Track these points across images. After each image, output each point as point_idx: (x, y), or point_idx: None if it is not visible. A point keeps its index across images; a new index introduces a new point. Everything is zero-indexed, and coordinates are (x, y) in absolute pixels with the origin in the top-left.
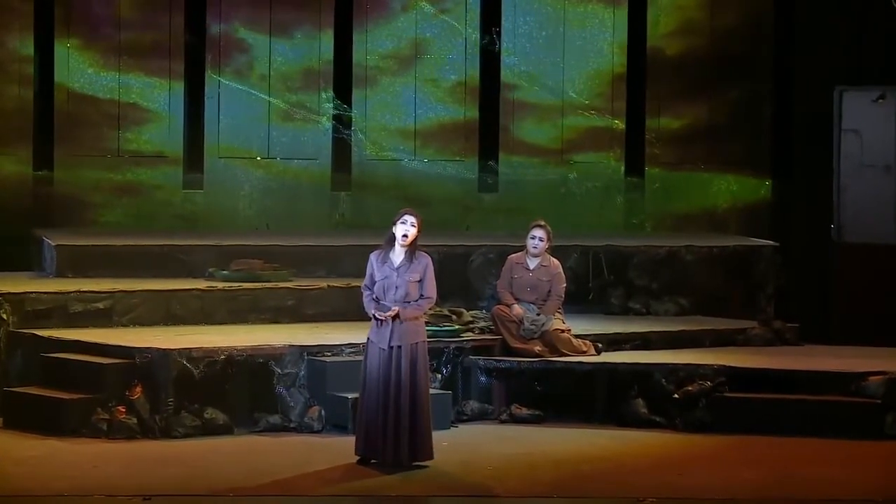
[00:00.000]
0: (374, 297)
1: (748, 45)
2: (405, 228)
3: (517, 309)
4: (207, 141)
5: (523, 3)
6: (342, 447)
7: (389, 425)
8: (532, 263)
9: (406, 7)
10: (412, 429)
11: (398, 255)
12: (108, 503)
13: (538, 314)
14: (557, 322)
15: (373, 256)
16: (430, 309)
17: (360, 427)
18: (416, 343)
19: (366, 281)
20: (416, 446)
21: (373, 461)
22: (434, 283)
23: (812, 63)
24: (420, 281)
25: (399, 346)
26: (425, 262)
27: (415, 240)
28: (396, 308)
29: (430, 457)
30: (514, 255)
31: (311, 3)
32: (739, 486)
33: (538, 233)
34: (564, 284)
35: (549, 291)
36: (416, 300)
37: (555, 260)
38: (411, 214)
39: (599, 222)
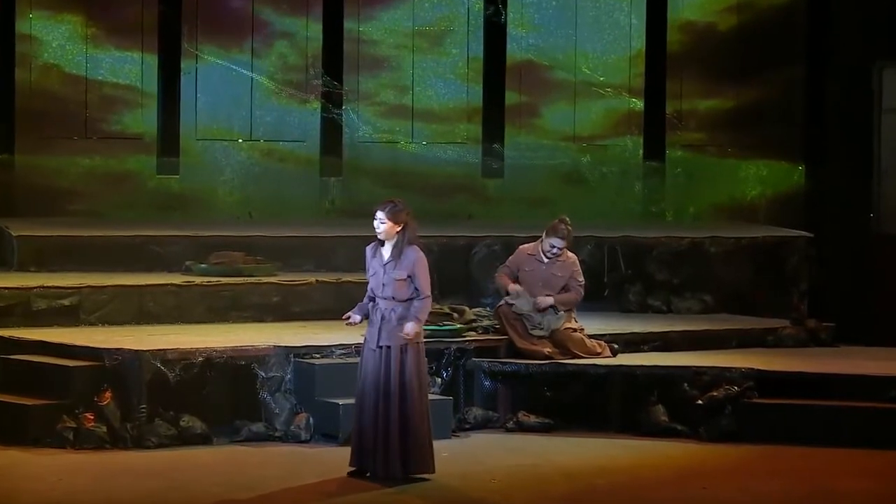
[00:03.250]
0: (370, 295)
1: (780, 16)
2: (375, 225)
3: (513, 286)
4: (184, 121)
5: None
6: (332, 458)
7: (379, 434)
8: (547, 260)
9: None
10: (403, 438)
11: (387, 249)
12: None
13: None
14: (569, 320)
15: (367, 249)
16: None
17: (354, 436)
18: (407, 343)
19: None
20: (409, 458)
21: (367, 474)
22: (427, 278)
23: (849, 36)
24: (407, 279)
25: (388, 347)
26: (413, 257)
27: (399, 233)
28: (415, 328)
29: (429, 469)
30: (526, 245)
31: None
32: (767, 500)
33: (558, 243)
34: (583, 280)
35: (564, 288)
36: (408, 300)
37: (571, 254)
38: (381, 209)
39: (615, 211)
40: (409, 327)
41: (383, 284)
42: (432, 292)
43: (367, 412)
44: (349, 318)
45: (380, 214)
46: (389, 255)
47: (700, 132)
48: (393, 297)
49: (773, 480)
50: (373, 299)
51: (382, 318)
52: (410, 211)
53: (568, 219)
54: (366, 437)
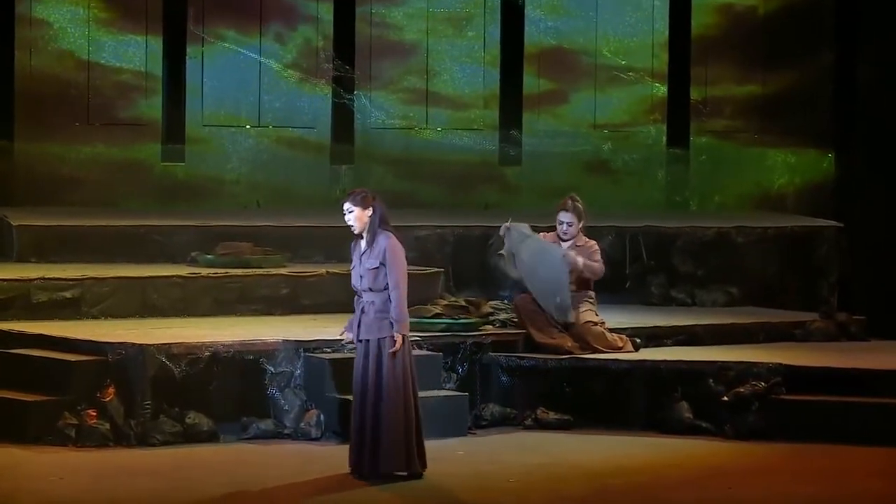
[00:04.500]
0: (354, 290)
1: (809, 0)
2: (346, 219)
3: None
4: (190, 107)
5: None
6: (343, 457)
7: (355, 429)
8: (565, 244)
9: None
10: (374, 435)
11: (363, 240)
12: None
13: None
14: (589, 314)
15: (352, 245)
16: (404, 299)
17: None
18: (384, 338)
19: None
20: (378, 454)
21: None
22: (398, 267)
23: (880, 22)
24: (379, 268)
25: (367, 341)
26: (384, 244)
27: (370, 218)
28: (399, 341)
29: (400, 467)
30: (545, 233)
31: None
32: (795, 501)
33: (565, 217)
34: (602, 260)
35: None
36: (385, 290)
37: (590, 240)
38: (346, 200)
39: (638, 200)
40: (394, 341)
41: (360, 276)
42: (449, 287)
43: (354, 408)
44: (343, 334)
45: (346, 205)
46: (365, 245)
47: (726, 118)
48: (370, 289)
49: (802, 481)
50: (358, 293)
51: (363, 311)
52: (377, 196)
53: (577, 196)
54: (356, 434)
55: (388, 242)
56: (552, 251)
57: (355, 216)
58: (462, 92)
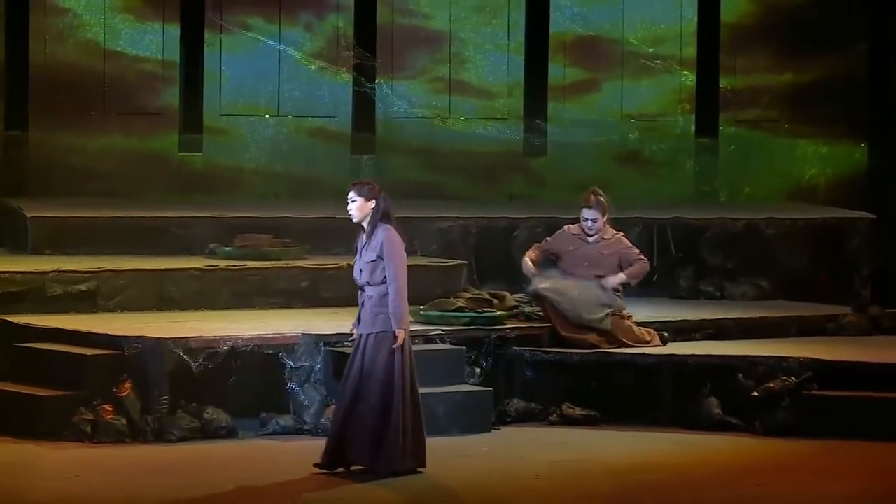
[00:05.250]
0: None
1: None
2: (348, 208)
3: (528, 265)
4: (207, 96)
5: None
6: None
7: (352, 424)
8: (590, 237)
9: None
10: (343, 427)
11: (364, 233)
12: None
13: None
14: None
15: (358, 237)
16: (401, 294)
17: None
18: (373, 334)
19: None
20: (377, 450)
21: (350, 468)
22: (396, 261)
23: None
24: (377, 261)
25: (361, 335)
26: (382, 237)
27: (371, 215)
28: (400, 337)
29: (364, 462)
30: (570, 225)
31: None
32: (827, 499)
33: (590, 214)
34: (639, 251)
35: (619, 267)
36: (382, 284)
37: (618, 233)
38: (350, 188)
39: (665, 191)
40: (395, 337)
41: (360, 270)
42: (473, 280)
43: (339, 401)
44: (353, 331)
45: (350, 194)
46: (365, 238)
47: (756, 108)
48: (368, 283)
49: (833, 478)
50: (361, 287)
51: (363, 305)
52: (383, 190)
53: (600, 190)
54: (338, 426)
55: (386, 235)
56: (595, 287)
57: (357, 206)
58: (486, 81)
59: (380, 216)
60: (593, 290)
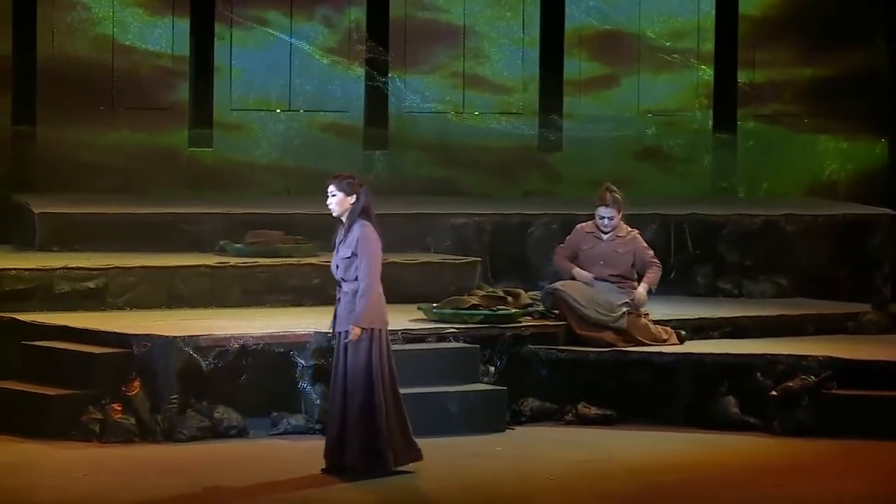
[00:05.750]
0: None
1: None
2: (328, 202)
3: (579, 271)
4: (218, 90)
5: None
6: None
7: (334, 424)
8: (605, 235)
9: None
10: (343, 431)
11: (343, 227)
12: None
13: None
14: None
15: (337, 232)
16: (370, 291)
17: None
18: (349, 330)
19: None
20: (345, 449)
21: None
22: (369, 258)
23: None
24: (352, 257)
25: (340, 333)
26: (358, 234)
27: (350, 210)
28: (356, 331)
29: (377, 466)
30: (583, 223)
31: None
32: (847, 499)
33: (606, 213)
34: (653, 253)
35: (633, 265)
36: (356, 280)
37: (632, 229)
38: (330, 182)
39: (683, 186)
40: (352, 333)
41: (336, 266)
42: (487, 277)
43: (330, 402)
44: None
45: (330, 188)
46: (343, 233)
47: (775, 102)
48: (343, 279)
49: (853, 479)
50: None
51: (339, 300)
52: (365, 186)
53: (614, 186)
54: (330, 427)
55: (362, 232)
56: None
57: (337, 201)
58: (501, 75)
59: (359, 212)
60: (611, 290)
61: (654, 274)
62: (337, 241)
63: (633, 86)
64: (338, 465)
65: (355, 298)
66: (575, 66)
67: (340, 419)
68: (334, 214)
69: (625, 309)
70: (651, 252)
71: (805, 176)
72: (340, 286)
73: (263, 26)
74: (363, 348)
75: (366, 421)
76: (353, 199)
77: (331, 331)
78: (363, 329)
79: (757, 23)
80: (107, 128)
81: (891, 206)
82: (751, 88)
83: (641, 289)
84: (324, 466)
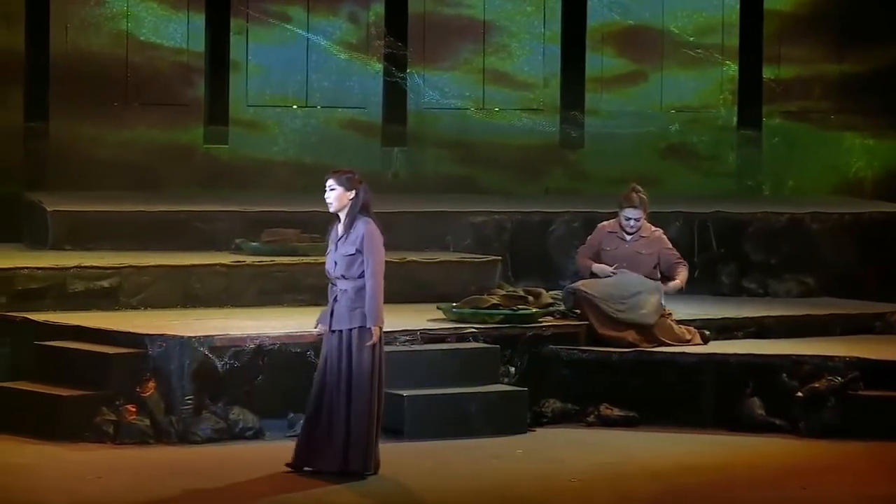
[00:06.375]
0: (328, 277)
1: None
2: (326, 196)
3: (602, 268)
4: (234, 86)
5: None
6: (393, 455)
7: (323, 424)
8: (628, 235)
9: None
10: (347, 430)
11: (341, 224)
12: None
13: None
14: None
15: (330, 228)
16: (377, 288)
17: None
18: (355, 329)
19: None
20: (349, 452)
21: (305, 468)
22: (376, 256)
23: None
24: (356, 254)
25: (340, 331)
26: (363, 230)
27: (351, 201)
28: (376, 332)
29: (361, 468)
30: (605, 222)
31: None
32: (875, 501)
33: (633, 214)
34: (678, 254)
35: (656, 267)
36: (360, 278)
37: (655, 228)
38: (330, 176)
39: (707, 184)
40: (370, 333)
41: (335, 262)
42: (507, 276)
43: (312, 400)
44: (317, 327)
45: (329, 182)
46: (342, 230)
47: (801, 99)
48: (343, 276)
49: (879, 481)
50: (332, 281)
51: (335, 299)
52: (363, 180)
53: (640, 186)
54: (311, 426)
55: (367, 228)
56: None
57: (336, 196)
58: (522, 71)
59: (359, 208)
60: (633, 278)
61: (684, 274)
62: (334, 238)
63: (657, 82)
64: (320, 466)
65: (357, 296)
66: (597, 61)
67: (325, 420)
68: (332, 210)
69: (657, 296)
70: (676, 253)
71: (831, 173)
72: (335, 284)
73: (280, 21)
74: (370, 348)
75: (369, 421)
76: (352, 194)
77: (316, 330)
78: (373, 328)
79: (783, 18)
80: (121, 124)
81: None
82: (776, 84)
83: (675, 284)
84: (297, 468)
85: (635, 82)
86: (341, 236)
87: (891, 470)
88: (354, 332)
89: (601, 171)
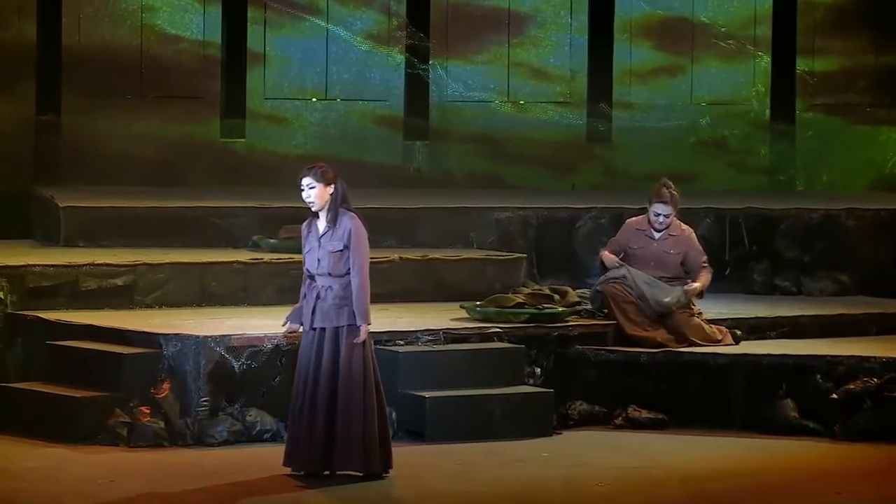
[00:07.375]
0: (307, 275)
1: None
2: (304, 195)
3: (612, 259)
4: (251, 78)
5: None
6: (414, 457)
7: (304, 423)
8: (657, 233)
9: None
10: (329, 428)
11: (322, 220)
12: None
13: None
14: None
15: (303, 227)
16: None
17: (288, 431)
18: (343, 327)
19: None
20: (334, 451)
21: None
22: (363, 252)
23: None
24: (343, 250)
25: (323, 329)
26: (349, 226)
27: (331, 195)
28: (364, 331)
29: (357, 468)
30: (633, 219)
31: None
32: None
33: (663, 210)
34: (707, 257)
35: (682, 265)
36: (346, 275)
37: (685, 227)
38: (305, 174)
39: (738, 179)
40: (360, 331)
41: (318, 259)
42: (533, 274)
43: (296, 400)
44: (285, 325)
45: (306, 180)
46: (325, 225)
47: (835, 92)
48: (329, 273)
49: None
50: (312, 278)
51: (318, 296)
52: (338, 173)
53: (670, 181)
54: (297, 430)
55: (353, 224)
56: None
57: (317, 193)
58: (547, 63)
59: (339, 202)
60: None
61: (705, 277)
62: (315, 234)
63: (687, 74)
64: (317, 469)
65: (344, 293)
66: (625, 53)
67: (311, 420)
68: (314, 208)
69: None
70: (704, 256)
71: (866, 168)
72: (313, 280)
73: (299, 12)
74: (360, 346)
75: (364, 420)
76: (331, 189)
77: (286, 328)
78: (362, 326)
79: (817, 9)
80: (135, 118)
81: None
82: (810, 77)
83: (697, 286)
84: (295, 472)
85: (665, 75)
86: (325, 232)
87: None
88: (343, 330)
89: (629, 165)
